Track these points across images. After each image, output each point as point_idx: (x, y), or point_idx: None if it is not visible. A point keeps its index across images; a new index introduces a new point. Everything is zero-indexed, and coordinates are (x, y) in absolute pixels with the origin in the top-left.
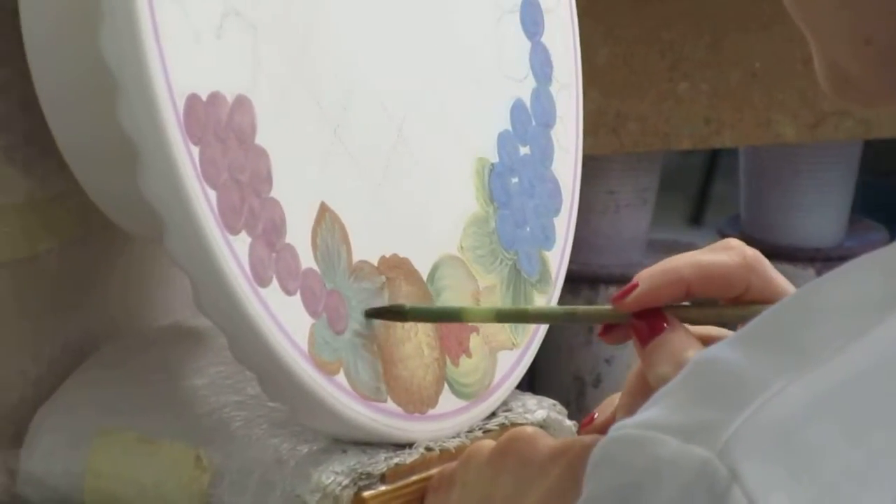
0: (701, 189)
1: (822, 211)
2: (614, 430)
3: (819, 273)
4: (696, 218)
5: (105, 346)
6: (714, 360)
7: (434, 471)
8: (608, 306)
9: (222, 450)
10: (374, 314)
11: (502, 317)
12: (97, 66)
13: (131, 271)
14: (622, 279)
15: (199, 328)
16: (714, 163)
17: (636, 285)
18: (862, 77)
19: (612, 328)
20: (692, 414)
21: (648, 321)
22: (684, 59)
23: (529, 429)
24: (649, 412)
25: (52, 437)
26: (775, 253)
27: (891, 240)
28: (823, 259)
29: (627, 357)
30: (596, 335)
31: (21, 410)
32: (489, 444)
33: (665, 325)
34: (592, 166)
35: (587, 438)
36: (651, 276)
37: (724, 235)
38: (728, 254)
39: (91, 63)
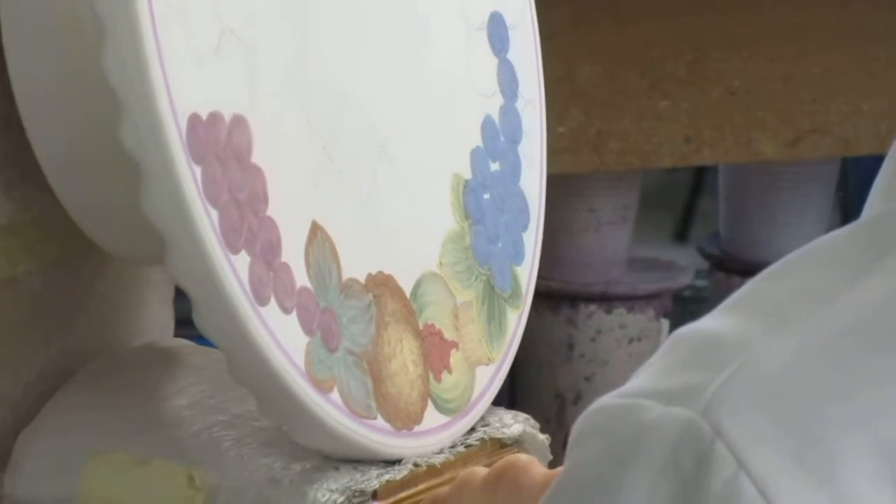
0: (686, 205)
1: (801, 228)
2: (596, 403)
3: None
4: (681, 234)
5: (83, 369)
6: (693, 329)
7: (422, 486)
8: None
9: (215, 469)
10: None
11: None
12: (87, 86)
13: (107, 293)
14: (603, 297)
15: (173, 348)
16: (700, 179)
17: None
18: None
19: None
20: (674, 378)
21: None
22: (665, 78)
23: (523, 457)
24: (631, 382)
25: (39, 462)
26: (755, 270)
27: None
28: None
29: (609, 374)
30: (577, 353)
31: (5, 433)
32: (482, 470)
33: None
34: (573, 184)
35: None
36: None
37: (704, 253)
38: None
39: (80, 82)
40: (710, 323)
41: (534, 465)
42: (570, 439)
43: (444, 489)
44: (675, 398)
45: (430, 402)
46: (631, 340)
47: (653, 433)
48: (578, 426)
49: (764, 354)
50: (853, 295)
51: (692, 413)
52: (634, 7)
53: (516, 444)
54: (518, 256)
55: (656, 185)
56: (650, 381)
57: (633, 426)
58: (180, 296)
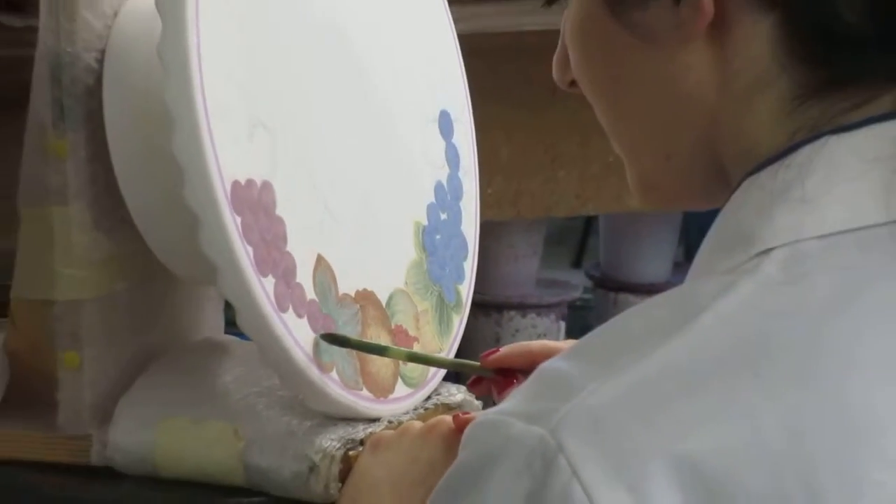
0: (580, 242)
1: (656, 257)
2: (480, 417)
3: None
4: (576, 262)
5: (160, 357)
6: (550, 368)
7: None
8: (478, 364)
9: (251, 425)
10: (328, 339)
11: (412, 358)
12: (162, 162)
13: (178, 304)
14: (519, 306)
15: (222, 342)
16: (590, 224)
17: (498, 350)
18: (665, 184)
19: (479, 382)
20: (533, 404)
21: (506, 377)
22: (562, 155)
23: (448, 418)
24: (504, 404)
25: (130, 420)
26: (624, 287)
27: None
28: (656, 291)
29: None
30: (502, 345)
31: (107, 401)
32: (418, 424)
33: (515, 381)
34: (498, 229)
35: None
36: (510, 347)
37: (589, 275)
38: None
39: (157, 160)
40: (562, 364)
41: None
42: (462, 440)
43: (386, 432)
44: (533, 419)
45: (399, 378)
46: (539, 336)
47: (516, 443)
48: (467, 432)
49: (596, 392)
50: (663, 351)
51: (544, 431)
52: (540, 105)
53: (459, 407)
54: (460, 278)
55: (560, 227)
56: (518, 404)
57: (503, 437)
58: (228, 306)
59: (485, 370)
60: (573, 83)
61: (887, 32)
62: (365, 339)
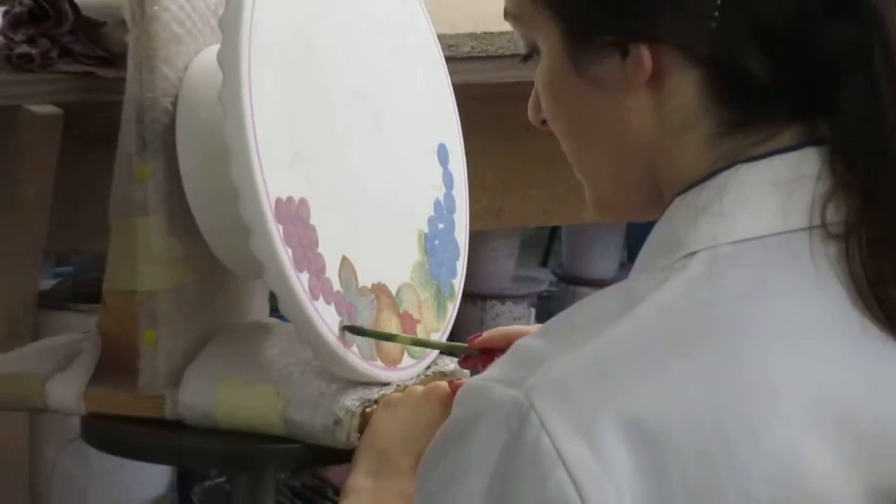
0: (547, 246)
1: (605, 258)
2: (469, 382)
3: None
4: (544, 262)
5: (219, 334)
6: (523, 345)
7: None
8: (466, 345)
9: (289, 388)
10: (350, 330)
11: (415, 343)
12: (222, 184)
13: (232, 293)
14: (499, 296)
15: (268, 324)
16: (555, 232)
17: (482, 334)
18: (615, 201)
19: (467, 359)
20: (510, 372)
21: (488, 355)
22: (533, 179)
23: (444, 383)
24: (488, 372)
25: (195, 383)
26: (581, 281)
27: None
28: (606, 285)
29: None
30: (485, 327)
31: (177, 368)
32: (420, 387)
33: (496, 357)
34: (483, 236)
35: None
36: (491, 332)
37: (554, 272)
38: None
39: (219, 183)
40: (532, 341)
41: (447, 390)
42: (454, 401)
43: (395, 394)
44: (510, 384)
45: (405, 352)
46: (515, 320)
47: (496, 403)
48: (459, 394)
49: (558, 363)
50: (611, 331)
51: (519, 393)
52: (517, 138)
53: (452, 374)
54: (453, 274)
55: (530, 235)
56: (498, 372)
57: (486, 398)
58: (272, 295)
59: (471, 350)
60: (544, 122)
61: (786, 84)
62: (378, 328)
